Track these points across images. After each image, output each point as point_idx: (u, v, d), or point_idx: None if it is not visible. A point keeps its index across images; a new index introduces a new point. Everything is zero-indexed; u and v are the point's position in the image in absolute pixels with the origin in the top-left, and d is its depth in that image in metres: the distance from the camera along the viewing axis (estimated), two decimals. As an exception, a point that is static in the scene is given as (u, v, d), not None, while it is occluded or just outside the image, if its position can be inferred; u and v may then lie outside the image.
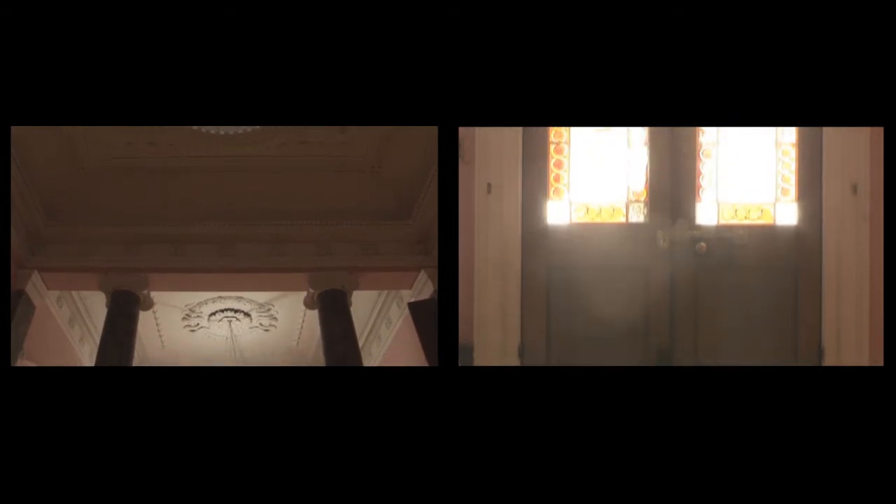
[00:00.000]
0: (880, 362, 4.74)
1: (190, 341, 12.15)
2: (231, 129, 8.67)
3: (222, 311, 11.21)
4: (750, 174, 5.66)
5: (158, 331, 11.90)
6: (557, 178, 5.66)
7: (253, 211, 9.20)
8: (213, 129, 8.68)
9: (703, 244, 5.52)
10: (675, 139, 5.62)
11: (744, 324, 5.60)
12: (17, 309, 8.40)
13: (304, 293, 9.42)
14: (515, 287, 5.56)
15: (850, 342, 5.51)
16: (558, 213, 5.66)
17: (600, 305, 5.55)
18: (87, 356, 10.95)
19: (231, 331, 11.58)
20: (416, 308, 8.57)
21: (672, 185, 5.62)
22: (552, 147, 5.65)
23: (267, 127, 8.53)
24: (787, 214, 5.65)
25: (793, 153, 5.64)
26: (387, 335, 10.97)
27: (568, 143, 5.65)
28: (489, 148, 5.57)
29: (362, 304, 10.25)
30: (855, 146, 5.52)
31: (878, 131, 5.15)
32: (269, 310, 11.28)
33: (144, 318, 10.08)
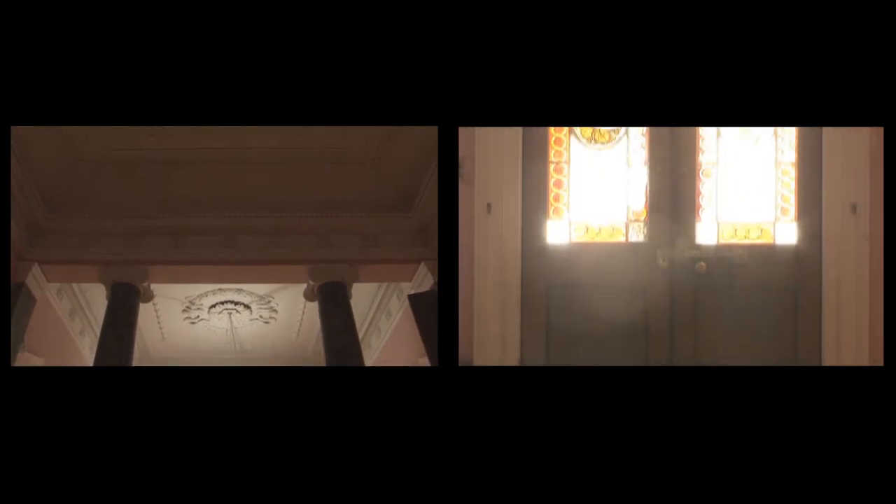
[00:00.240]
0: (880, 362, 4.75)
1: (190, 333, 12.15)
2: (231, 121, 8.65)
3: (222, 303, 11.20)
4: (749, 194, 5.71)
5: (159, 323, 11.90)
6: (557, 198, 5.69)
7: (253, 203, 9.17)
8: (213, 121, 8.66)
9: (702, 264, 5.52)
10: (675, 158, 5.62)
11: (743, 343, 5.60)
12: (18, 301, 8.40)
13: (304, 285, 9.40)
14: (515, 306, 5.59)
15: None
16: (558, 232, 5.69)
17: (600, 325, 5.55)
18: (87, 348, 10.95)
19: (231, 323, 11.57)
20: (415, 300, 8.57)
21: (672, 205, 5.64)
22: (552, 167, 5.66)
23: (268, 119, 8.51)
24: (787, 234, 5.69)
25: (792, 173, 5.67)
26: (387, 327, 10.97)
27: (568, 162, 5.67)
28: (489, 168, 5.59)
29: (362, 296, 10.24)
30: (854, 165, 5.54)
31: (878, 149, 5.15)
32: (269, 302, 11.27)
33: (145, 311, 10.08)
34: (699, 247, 5.62)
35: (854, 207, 5.51)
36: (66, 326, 10.58)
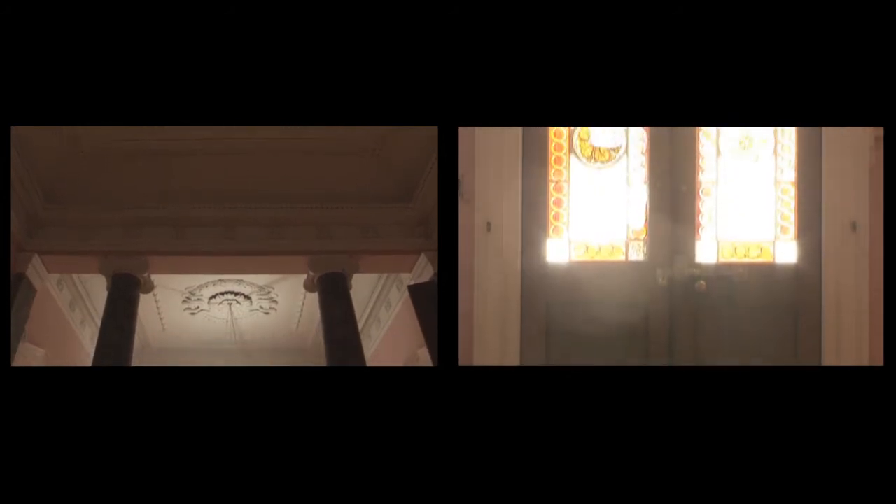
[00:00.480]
0: (880, 362, 4.75)
1: (190, 324, 12.17)
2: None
3: (222, 293, 11.21)
4: (749, 212, 5.69)
5: (159, 314, 11.91)
6: (557, 217, 5.68)
7: (253, 193, 9.18)
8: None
9: (702, 282, 5.52)
10: (675, 177, 5.63)
11: (743, 361, 5.60)
12: (18, 292, 8.41)
13: (305, 276, 9.40)
14: (515, 324, 5.58)
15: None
16: (558, 251, 5.69)
17: (600, 343, 5.55)
18: (88, 339, 10.96)
19: (231, 314, 11.58)
20: (415, 291, 8.55)
21: (671, 224, 5.63)
22: (552, 185, 5.66)
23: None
24: (787, 252, 5.68)
25: (792, 191, 5.66)
26: (386, 318, 10.99)
27: (567, 181, 5.67)
28: (489, 186, 5.59)
29: (362, 287, 10.25)
30: (854, 184, 5.53)
31: (878, 168, 5.15)
32: (269, 293, 11.28)
33: (145, 301, 10.08)
34: (699, 265, 5.62)
35: (854, 226, 5.50)
36: (66, 317, 10.60)
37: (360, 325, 9.78)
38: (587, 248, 5.69)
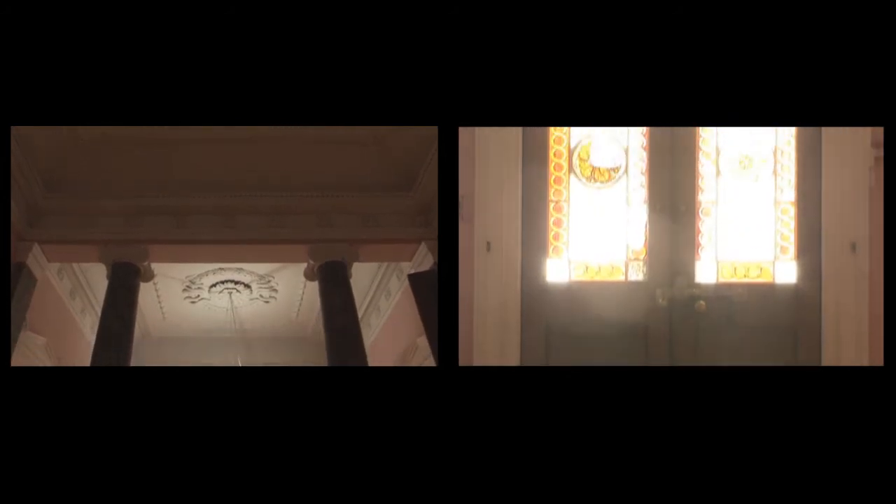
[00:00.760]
0: (880, 362, 4.75)
1: (191, 313, 12.18)
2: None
3: (223, 282, 11.22)
4: (749, 232, 5.66)
5: (159, 302, 11.93)
6: (557, 237, 5.67)
7: (253, 182, 9.19)
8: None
9: (702, 302, 5.51)
10: (674, 197, 5.63)
11: None
12: (19, 282, 8.43)
13: (305, 265, 9.43)
14: (515, 345, 5.57)
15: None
16: (557, 271, 5.67)
17: (600, 363, 5.54)
18: (88, 327, 10.99)
19: (231, 302, 11.59)
20: (415, 279, 8.57)
21: (671, 244, 5.62)
22: (551, 205, 5.65)
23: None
24: (787, 273, 5.65)
25: (792, 211, 5.64)
26: (386, 307, 11.01)
27: (567, 201, 5.66)
28: (488, 207, 5.58)
29: (362, 275, 10.26)
30: (854, 204, 5.52)
31: (878, 188, 5.15)
32: (269, 281, 11.29)
33: (145, 290, 10.10)
34: (699, 285, 5.60)
35: (853, 247, 5.49)
36: (67, 306, 10.62)
37: (359, 314, 9.80)
38: (587, 268, 5.68)
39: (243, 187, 9.14)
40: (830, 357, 5.54)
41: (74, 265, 10.34)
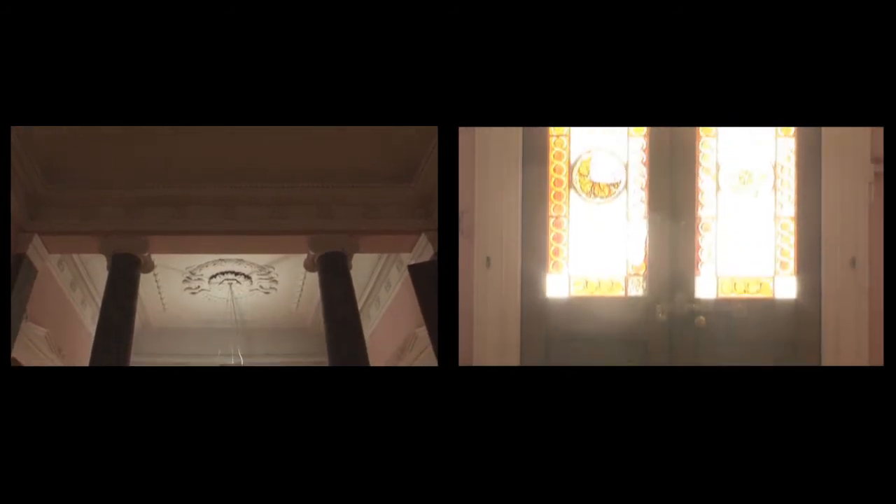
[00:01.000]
0: (880, 362, 4.75)
1: (191, 303, 12.19)
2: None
3: (223, 273, 11.21)
4: (749, 248, 5.68)
5: (160, 293, 11.93)
6: (557, 252, 5.68)
7: (254, 173, 9.16)
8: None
9: (702, 318, 5.51)
10: (674, 213, 5.63)
11: None
12: (20, 273, 8.43)
13: (305, 256, 9.42)
14: (515, 360, 5.57)
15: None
16: (557, 286, 5.68)
17: None
18: (89, 318, 10.99)
19: (231, 293, 11.60)
20: (415, 270, 8.56)
21: (671, 259, 5.62)
22: (551, 220, 5.65)
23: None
24: (787, 288, 5.66)
25: (791, 227, 5.65)
26: (386, 298, 11.01)
27: (567, 216, 5.67)
28: (488, 222, 5.59)
29: (362, 266, 10.26)
30: (853, 220, 5.52)
31: (878, 204, 5.14)
32: (269, 272, 11.29)
33: (145, 281, 10.11)
34: (698, 301, 5.61)
35: (853, 262, 5.49)
36: (67, 297, 10.63)
37: (359, 305, 9.80)
38: (587, 283, 5.69)
39: (244, 178, 9.12)
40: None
41: (75, 256, 10.34)
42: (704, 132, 5.67)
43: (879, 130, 4.90)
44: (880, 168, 5.01)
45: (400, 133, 9.09)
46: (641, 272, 5.67)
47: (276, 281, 11.56)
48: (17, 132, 7.81)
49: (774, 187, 5.66)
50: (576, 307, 5.65)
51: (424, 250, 8.96)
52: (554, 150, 5.69)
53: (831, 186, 5.55)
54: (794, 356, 5.62)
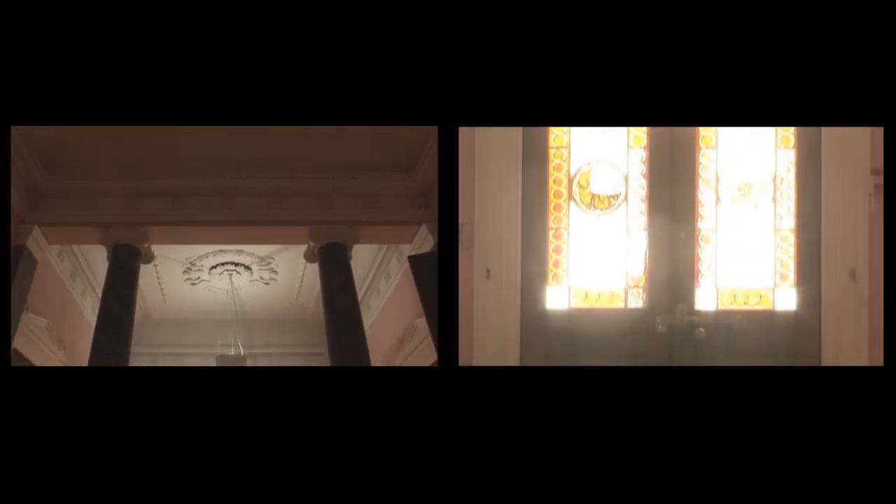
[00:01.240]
0: (880, 362, 4.75)
1: (191, 294, 12.20)
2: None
3: (223, 264, 11.22)
4: (749, 260, 5.65)
5: (160, 284, 11.94)
6: (556, 264, 5.66)
7: (254, 164, 9.15)
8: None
9: (702, 330, 5.50)
10: (674, 225, 5.62)
11: None
12: (20, 264, 8.44)
13: (305, 247, 9.43)
14: None
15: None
16: (557, 298, 5.66)
17: None
18: (89, 309, 11.01)
19: (231, 284, 11.61)
20: (415, 261, 8.58)
21: (671, 271, 5.61)
22: (551, 232, 5.64)
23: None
24: (787, 300, 5.63)
25: (791, 239, 5.62)
26: (386, 289, 11.02)
27: (567, 228, 5.65)
28: (488, 234, 5.58)
29: (362, 257, 10.27)
30: (853, 231, 5.51)
31: (878, 214, 5.14)
32: (269, 263, 11.29)
33: (145, 272, 10.13)
34: (698, 313, 5.59)
35: (853, 274, 5.49)
36: (67, 288, 10.64)
37: (359, 296, 9.81)
38: (587, 295, 5.68)
39: (244, 169, 9.11)
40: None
41: (75, 247, 10.35)
42: (704, 143, 5.66)
43: (879, 141, 4.89)
44: (880, 180, 5.00)
45: (401, 124, 9.07)
46: (641, 284, 5.66)
47: (276, 272, 11.56)
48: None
49: (774, 199, 5.65)
50: (576, 319, 5.64)
51: (425, 241, 8.96)
52: (554, 161, 5.69)
53: (831, 198, 5.54)
54: (793, 368, 5.62)
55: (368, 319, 10.57)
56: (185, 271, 11.48)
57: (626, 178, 5.68)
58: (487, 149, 5.59)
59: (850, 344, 5.51)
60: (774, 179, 5.65)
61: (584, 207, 5.67)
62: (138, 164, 9.09)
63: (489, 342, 5.55)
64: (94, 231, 9.10)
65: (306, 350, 12.64)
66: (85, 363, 8.54)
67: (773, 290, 5.66)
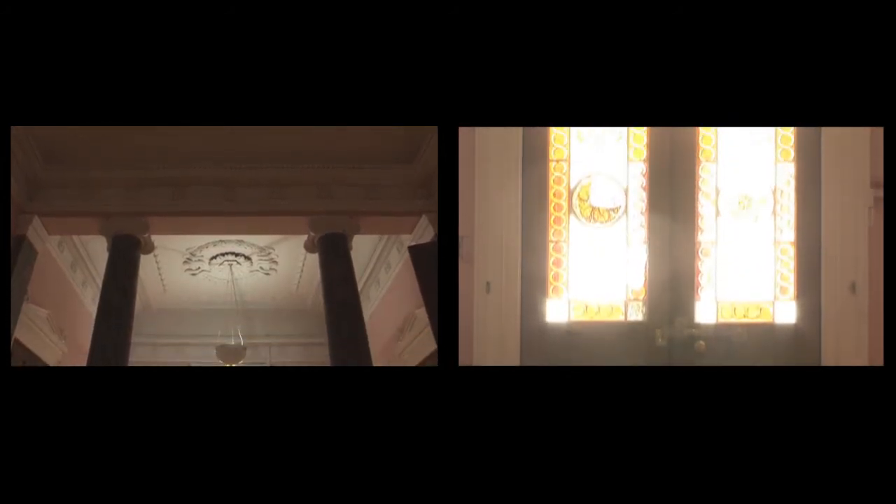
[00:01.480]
0: (880, 362, 4.75)
1: (191, 285, 12.20)
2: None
3: (223, 254, 11.21)
4: (748, 273, 5.65)
5: (160, 274, 11.94)
6: (556, 277, 5.66)
7: (254, 154, 9.13)
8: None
9: (702, 343, 5.50)
10: (674, 238, 5.61)
11: None
12: (20, 254, 8.44)
13: (305, 237, 9.41)
14: None
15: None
16: (557, 311, 5.66)
17: None
18: (89, 299, 11.01)
19: (232, 274, 11.60)
20: (416, 252, 8.56)
21: (671, 284, 5.61)
22: (551, 245, 5.64)
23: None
24: (786, 313, 5.64)
25: (791, 252, 5.63)
26: (386, 280, 11.01)
27: (567, 241, 5.65)
28: (488, 247, 5.58)
29: (363, 248, 10.26)
30: (853, 244, 5.51)
31: (878, 228, 5.14)
32: (269, 253, 11.28)
33: (146, 262, 10.11)
34: (698, 326, 5.60)
35: (853, 287, 5.48)
36: (67, 278, 10.64)
37: (359, 286, 9.80)
38: (586, 308, 5.68)
39: (244, 159, 9.08)
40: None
41: (75, 237, 10.34)
42: (704, 156, 5.67)
43: (879, 155, 4.89)
44: (880, 192, 4.99)
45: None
46: (641, 297, 5.66)
47: (276, 262, 11.55)
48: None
49: (774, 212, 5.65)
50: (575, 332, 5.65)
51: (425, 232, 8.94)
52: (554, 174, 5.68)
53: (831, 211, 5.54)
54: (794, 381, 5.64)
55: (368, 309, 10.57)
56: (185, 261, 11.47)
57: (626, 191, 5.68)
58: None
59: (850, 357, 5.50)
60: (774, 192, 5.65)
61: (584, 220, 5.67)
62: (138, 154, 9.06)
63: (489, 354, 5.55)
64: (94, 221, 9.09)
65: (306, 340, 12.65)
66: (85, 353, 8.53)
67: (773, 302, 5.67)
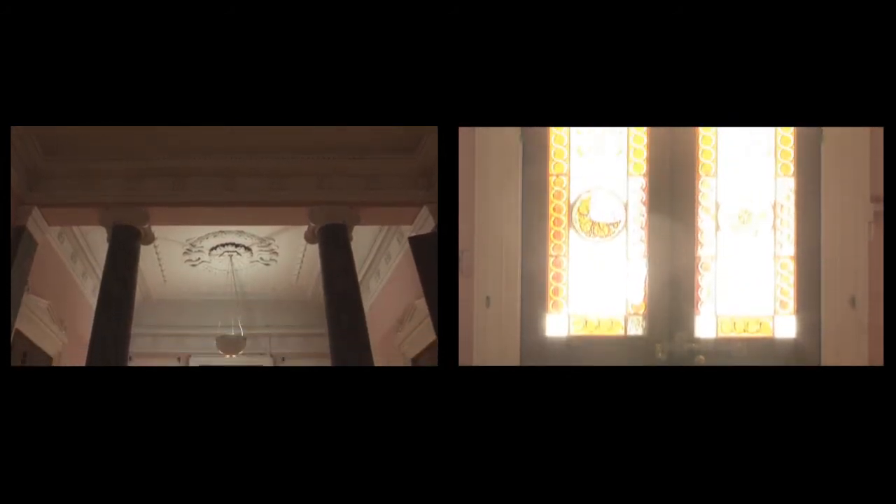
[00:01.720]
0: (880, 362, 4.75)
1: (191, 275, 12.21)
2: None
3: (223, 245, 11.21)
4: (748, 287, 5.65)
5: (160, 265, 11.94)
6: (556, 291, 5.65)
7: (254, 144, 9.11)
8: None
9: (702, 357, 5.49)
10: (674, 252, 5.61)
11: None
12: (20, 245, 8.44)
13: (305, 227, 9.41)
14: None
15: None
16: (557, 325, 5.65)
17: None
18: (90, 290, 11.02)
19: (232, 265, 11.60)
20: (416, 242, 8.54)
21: (670, 298, 5.60)
22: (551, 260, 5.63)
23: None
24: (786, 327, 5.64)
25: (791, 266, 5.62)
26: (386, 271, 11.00)
27: (567, 255, 5.64)
28: (488, 261, 5.57)
29: (363, 238, 10.25)
30: (853, 259, 5.51)
31: (878, 242, 5.14)
32: (269, 244, 11.28)
33: (146, 253, 10.11)
34: (698, 340, 5.59)
35: (853, 301, 5.48)
36: (68, 269, 10.64)
37: (359, 277, 9.81)
38: (586, 322, 5.68)
39: (244, 149, 9.06)
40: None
41: (75, 228, 10.33)
42: (704, 171, 5.66)
43: (879, 170, 4.89)
44: (880, 207, 4.99)
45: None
46: (641, 311, 5.66)
47: (276, 253, 11.55)
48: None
49: (774, 226, 5.64)
50: (575, 347, 5.65)
51: (425, 222, 8.94)
52: (553, 189, 5.67)
53: (831, 226, 5.54)
54: (793, 395, 5.65)
55: (368, 300, 10.58)
56: (185, 252, 11.47)
57: (626, 206, 5.67)
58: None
59: (850, 372, 5.51)
60: (774, 207, 5.65)
61: (583, 235, 5.67)
62: (138, 145, 9.04)
63: (489, 368, 5.55)
64: (94, 212, 9.08)
65: (306, 331, 12.67)
66: (86, 344, 8.54)
67: (773, 317, 5.67)
